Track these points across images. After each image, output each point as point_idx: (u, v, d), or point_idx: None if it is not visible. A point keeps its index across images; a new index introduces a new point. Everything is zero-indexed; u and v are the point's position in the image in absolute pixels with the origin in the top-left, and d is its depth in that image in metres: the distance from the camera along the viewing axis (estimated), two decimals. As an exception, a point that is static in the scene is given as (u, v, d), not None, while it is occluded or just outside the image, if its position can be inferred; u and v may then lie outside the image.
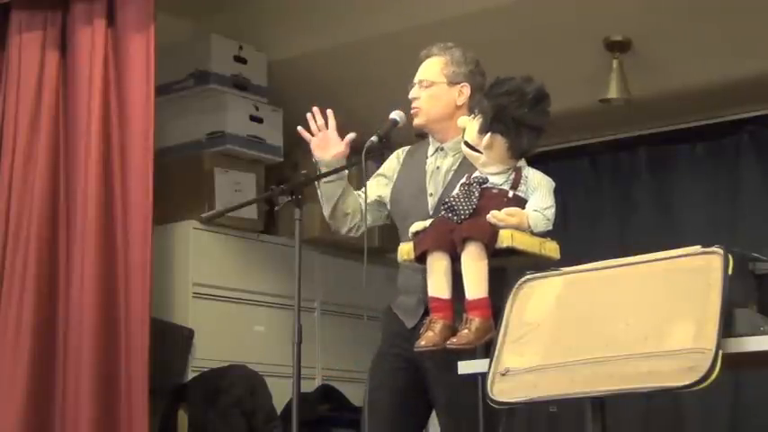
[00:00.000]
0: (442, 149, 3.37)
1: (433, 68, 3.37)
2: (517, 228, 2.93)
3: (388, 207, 3.45)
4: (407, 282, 3.31)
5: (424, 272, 3.12)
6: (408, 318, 3.31)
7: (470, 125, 3.05)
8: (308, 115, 3.41)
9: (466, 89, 3.35)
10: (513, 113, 2.98)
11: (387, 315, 3.37)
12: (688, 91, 5.16)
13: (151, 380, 4.06)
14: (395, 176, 3.46)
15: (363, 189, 3.38)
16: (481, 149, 3.02)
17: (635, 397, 3.76)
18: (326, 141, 3.38)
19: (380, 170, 3.48)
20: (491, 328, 2.87)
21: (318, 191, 3.38)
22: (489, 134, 2.99)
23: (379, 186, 3.46)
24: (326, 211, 3.41)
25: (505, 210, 2.93)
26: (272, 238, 5.42)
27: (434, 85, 3.35)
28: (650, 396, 4.10)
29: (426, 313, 3.22)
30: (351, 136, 3.37)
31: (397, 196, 3.42)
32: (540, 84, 3.04)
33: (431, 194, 3.33)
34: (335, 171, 3.34)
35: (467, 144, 3.06)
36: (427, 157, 3.40)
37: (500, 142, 3.00)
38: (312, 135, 3.40)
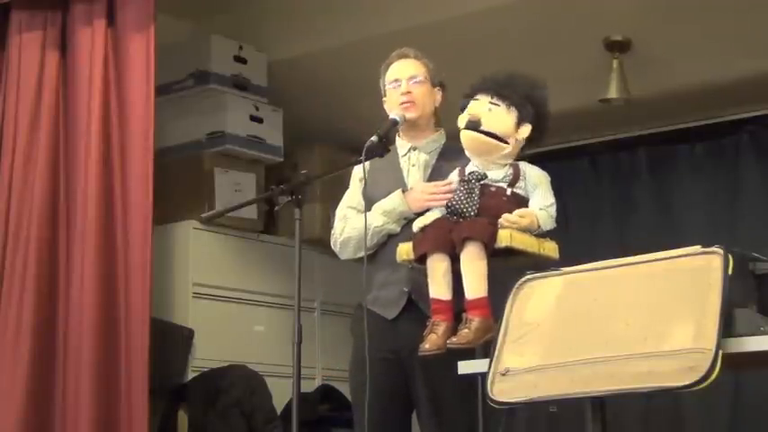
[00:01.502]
0: (415, 149, 3.40)
1: (419, 68, 3.41)
2: (528, 228, 2.93)
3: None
4: (388, 276, 3.31)
5: (405, 266, 3.14)
6: (389, 310, 3.30)
7: (495, 116, 3.03)
8: None
9: (439, 94, 3.42)
10: (541, 104, 3.05)
11: (361, 313, 3.30)
12: (688, 91, 5.16)
13: (151, 380, 4.06)
14: (362, 183, 3.42)
15: (363, 189, 3.39)
16: (512, 140, 3.02)
17: (635, 397, 3.76)
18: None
19: (351, 180, 3.49)
20: (491, 328, 2.88)
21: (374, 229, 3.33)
22: (527, 125, 3.01)
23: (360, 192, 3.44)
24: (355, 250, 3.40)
25: (517, 211, 2.94)
26: (272, 238, 5.42)
27: (426, 84, 3.39)
28: (650, 396, 4.11)
29: (410, 303, 3.23)
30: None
31: (373, 196, 3.36)
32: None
33: (411, 189, 3.34)
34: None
35: (490, 134, 3.03)
36: (400, 158, 3.42)
37: (529, 133, 3.03)
38: None
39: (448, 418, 3.23)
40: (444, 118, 3.44)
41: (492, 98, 3.04)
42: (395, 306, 3.30)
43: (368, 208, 3.37)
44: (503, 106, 3.02)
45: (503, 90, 3.05)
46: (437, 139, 3.40)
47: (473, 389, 2.94)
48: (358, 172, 3.44)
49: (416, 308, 3.23)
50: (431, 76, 3.40)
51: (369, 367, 3.08)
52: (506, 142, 3.02)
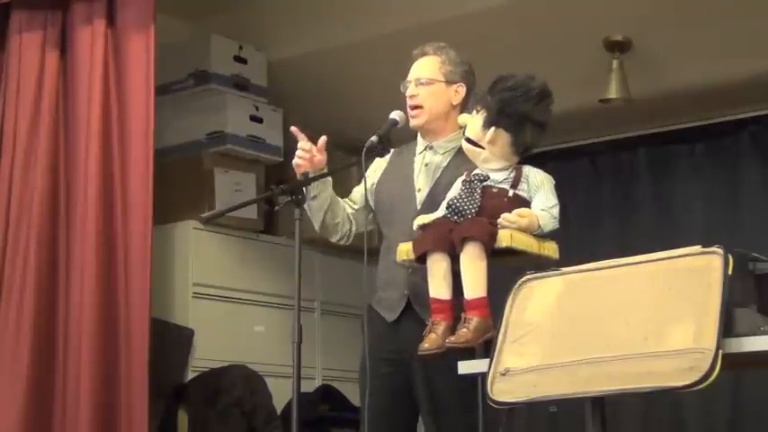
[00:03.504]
0: (431, 147, 3.38)
1: (430, 66, 3.37)
2: (527, 229, 2.93)
3: (372, 204, 3.43)
4: (390, 277, 3.32)
5: (407, 267, 3.13)
6: (389, 312, 3.31)
7: (472, 121, 3.06)
8: (293, 129, 3.40)
9: (462, 89, 3.36)
10: (518, 108, 2.99)
11: (368, 314, 3.33)
12: (688, 91, 5.16)
13: (151, 380, 4.06)
14: (379, 174, 3.46)
15: (363, 189, 3.39)
16: (484, 144, 3.02)
17: (635, 397, 3.77)
18: (311, 157, 3.36)
19: (367, 172, 3.45)
20: (489, 328, 2.88)
21: (306, 205, 3.28)
22: (494, 128, 3.00)
23: (363, 190, 3.44)
24: (316, 225, 3.42)
25: (516, 211, 2.93)
26: (272, 238, 5.42)
27: (434, 83, 3.35)
28: (650, 396, 4.11)
29: (410, 306, 3.23)
30: (323, 140, 3.36)
31: (381, 194, 3.41)
32: (544, 81, 3.05)
33: (419, 190, 3.34)
34: (324, 176, 3.35)
35: (468, 140, 3.06)
36: (415, 155, 3.41)
37: (504, 137, 3.01)
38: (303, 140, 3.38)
39: (447, 417, 3.24)
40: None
41: (477, 103, 3.07)
42: (395, 308, 3.30)
43: (377, 204, 3.38)
44: (481, 111, 3.04)
45: (484, 95, 3.06)
46: (454, 138, 3.33)
47: (472, 388, 2.94)
48: (373, 165, 3.43)
49: (416, 311, 3.24)
50: (445, 73, 3.35)
51: (374, 368, 3.12)
52: (482, 147, 3.03)
